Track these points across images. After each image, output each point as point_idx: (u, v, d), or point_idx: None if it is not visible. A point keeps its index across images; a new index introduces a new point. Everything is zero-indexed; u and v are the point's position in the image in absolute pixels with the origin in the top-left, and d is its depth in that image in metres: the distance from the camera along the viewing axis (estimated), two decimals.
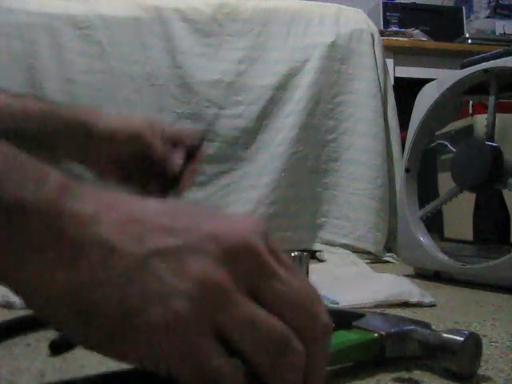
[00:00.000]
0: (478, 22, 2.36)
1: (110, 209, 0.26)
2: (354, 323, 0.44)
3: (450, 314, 0.70)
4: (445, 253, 1.02)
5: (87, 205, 0.25)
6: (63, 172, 0.26)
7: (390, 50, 1.96)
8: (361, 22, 1.56)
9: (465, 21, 2.34)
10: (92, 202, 0.26)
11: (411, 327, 0.44)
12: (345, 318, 0.45)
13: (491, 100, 0.99)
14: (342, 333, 0.43)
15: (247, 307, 0.25)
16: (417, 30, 2.16)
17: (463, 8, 2.39)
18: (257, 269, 0.26)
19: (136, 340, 0.24)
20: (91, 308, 0.24)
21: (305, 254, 0.64)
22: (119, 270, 0.24)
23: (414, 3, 2.37)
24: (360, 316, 0.46)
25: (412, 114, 1.14)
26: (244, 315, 0.25)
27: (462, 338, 0.41)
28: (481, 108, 1.50)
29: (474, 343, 0.41)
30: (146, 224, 0.26)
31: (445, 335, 0.41)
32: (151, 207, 0.27)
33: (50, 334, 0.50)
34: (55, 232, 0.24)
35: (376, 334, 0.43)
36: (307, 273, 0.64)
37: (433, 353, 0.42)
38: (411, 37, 2.12)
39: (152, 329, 0.24)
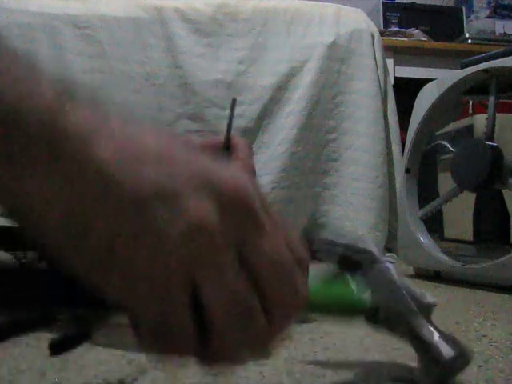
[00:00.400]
0: (478, 22, 2.36)
1: (111, 131, 0.25)
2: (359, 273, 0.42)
3: (450, 314, 0.70)
4: (445, 253, 1.02)
5: (86, 124, 0.24)
6: (57, 79, 0.25)
7: (390, 50, 1.97)
8: (361, 22, 1.56)
9: (465, 21, 2.35)
10: (90, 119, 0.25)
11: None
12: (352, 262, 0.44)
13: (491, 100, 0.99)
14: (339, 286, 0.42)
15: (227, 262, 0.25)
16: (417, 30, 2.16)
17: (463, 8, 2.39)
18: (247, 222, 0.26)
19: (118, 275, 0.24)
20: (82, 234, 0.24)
21: None
22: (115, 204, 0.24)
23: (414, 3, 2.37)
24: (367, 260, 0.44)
25: (412, 114, 1.14)
26: (220, 270, 0.25)
27: (452, 354, 0.39)
28: (481, 108, 1.50)
29: (462, 364, 0.40)
30: (145, 156, 0.25)
31: (437, 339, 0.40)
32: (150, 137, 0.26)
33: (50, 334, 0.50)
34: (53, 148, 0.23)
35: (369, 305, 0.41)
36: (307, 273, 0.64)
37: (418, 348, 0.40)
38: (411, 37, 2.12)
39: (135, 268, 0.24)
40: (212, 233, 0.24)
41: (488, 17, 2.39)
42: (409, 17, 2.28)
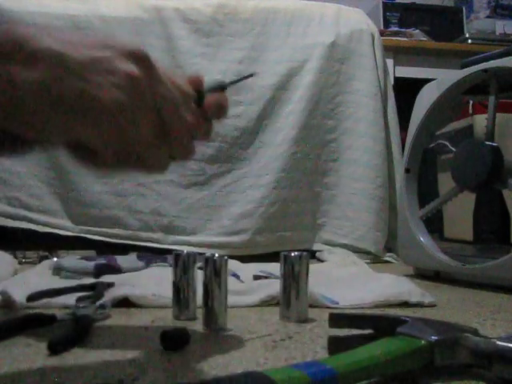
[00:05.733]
0: (478, 22, 2.36)
1: (49, 33, 0.37)
2: (399, 329, 0.42)
3: (450, 314, 0.70)
4: (445, 253, 1.02)
5: (33, 30, 0.36)
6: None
7: (390, 50, 1.97)
8: (361, 22, 1.56)
9: (465, 21, 2.35)
10: (35, 28, 0.37)
11: (462, 334, 0.41)
12: (389, 324, 0.43)
13: (491, 100, 0.99)
14: (389, 340, 0.41)
15: (156, 92, 0.39)
16: (417, 30, 2.16)
17: (463, 8, 2.39)
18: (152, 71, 0.39)
19: (90, 119, 0.36)
20: (58, 96, 0.35)
21: (305, 253, 0.64)
22: (73, 69, 0.35)
23: (414, 3, 2.37)
24: (403, 322, 0.44)
25: (412, 114, 1.14)
26: (164, 87, 0.40)
27: None
28: (481, 108, 1.50)
29: None
30: (79, 42, 0.37)
31: (500, 343, 0.39)
32: (76, 34, 0.39)
33: (50, 334, 0.50)
34: (11, 44, 0.34)
35: (424, 341, 0.40)
36: (307, 273, 0.64)
37: (487, 361, 0.39)
38: (411, 37, 2.13)
39: (103, 110, 0.36)
40: (137, 75, 0.38)
41: (488, 17, 2.40)
42: (409, 17, 2.28)
